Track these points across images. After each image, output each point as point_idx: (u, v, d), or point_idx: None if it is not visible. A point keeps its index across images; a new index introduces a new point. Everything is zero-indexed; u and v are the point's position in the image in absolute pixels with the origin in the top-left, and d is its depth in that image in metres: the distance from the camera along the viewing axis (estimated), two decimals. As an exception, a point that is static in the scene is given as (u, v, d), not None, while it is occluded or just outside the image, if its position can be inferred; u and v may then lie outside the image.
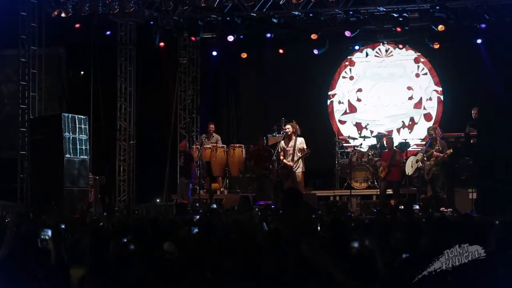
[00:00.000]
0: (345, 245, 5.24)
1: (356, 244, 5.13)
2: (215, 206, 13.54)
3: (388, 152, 16.67)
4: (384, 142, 17.34)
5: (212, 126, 18.53)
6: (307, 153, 16.26)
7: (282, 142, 16.42)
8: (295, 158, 16.30)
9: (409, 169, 16.64)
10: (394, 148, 16.91)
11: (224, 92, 20.80)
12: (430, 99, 19.34)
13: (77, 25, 17.88)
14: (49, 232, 5.86)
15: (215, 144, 18.10)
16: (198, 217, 11.49)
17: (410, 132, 19.23)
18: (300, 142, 16.33)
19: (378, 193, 16.69)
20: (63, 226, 8.46)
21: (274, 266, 4.96)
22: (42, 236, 5.83)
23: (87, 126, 16.47)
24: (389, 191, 16.42)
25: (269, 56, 19.38)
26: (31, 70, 17.80)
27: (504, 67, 17.30)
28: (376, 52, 19.60)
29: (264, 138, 17.07)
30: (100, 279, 5.38)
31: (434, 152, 15.86)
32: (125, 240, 5.84)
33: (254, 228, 6.25)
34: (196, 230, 6.80)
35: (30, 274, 5.49)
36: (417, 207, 14.61)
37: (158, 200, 18.15)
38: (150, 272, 5.30)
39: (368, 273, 4.80)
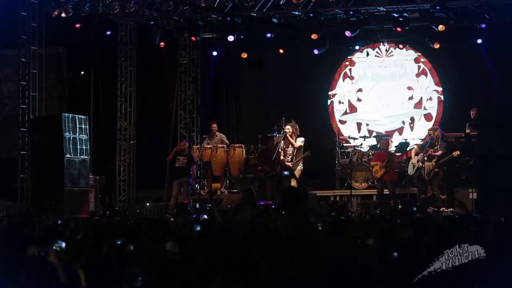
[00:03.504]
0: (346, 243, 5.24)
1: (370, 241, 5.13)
2: (210, 205, 13.61)
3: (383, 153, 16.70)
4: (379, 143, 17.35)
5: (214, 126, 18.53)
6: (307, 155, 16.34)
7: (282, 142, 16.48)
8: (295, 159, 16.37)
9: (410, 169, 16.71)
10: (389, 150, 16.96)
11: (224, 92, 20.81)
12: (430, 99, 19.35)
13: (77, 25, 17.90)
14: (63, 245, 5.74)
15: (216, 144, 18.09)
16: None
17: (410, 132, 19.24)
18: (299, 141, 16.42)
19: (376, 193, 16.73)
20: (60, 222, 8.48)
21: (273, 266, 4.96)
22: (54, 248, 5.73)
23: (87, 126, 16.46)
24: (386, 192, 16.46)
25: (269, 56, 19.40)
26: (31, 70, 17.80)
27: (504, 67, 17.31)
28: (377, 52, 19.62)
29: (275, 138, 17.02)
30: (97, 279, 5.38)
31: (433, 153, 15.94)
32: (119, 241, 5.84)
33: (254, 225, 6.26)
34: (198, 227, 6.81)
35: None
36: (415, 208, 14.62)
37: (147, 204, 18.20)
38: (151, 272, 5.30)
39: (370, 272, 4.80)
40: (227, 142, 18.28)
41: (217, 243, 5.68)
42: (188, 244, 5.72)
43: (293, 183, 16.13)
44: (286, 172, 15.94)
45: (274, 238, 5.72)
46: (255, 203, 13.48)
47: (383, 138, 17.40)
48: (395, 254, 5.21)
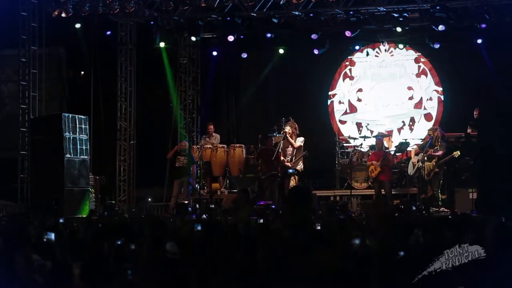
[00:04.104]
0: (348, 243, 5.25)
1: (357, 241, 5.14)
2: (212, 206, 13.62)
3: (378, 153, 16.72)
4: (375, 143, 17.37)
5: (211, 127, 18.57)
6: (305, 155, 16.35)
7: (282, 142, 16.48)
8: (294, 158, 16.37)
9: (410, 169, 16.71)
10: (385, 148, 16.98)
11: (224, 92, 20.81)
12: (431, 99, 19.35)
13: (77, 25, 17.90)
14: (52, 236, 5.77)
15: (215, 144, 18.11)
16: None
17: (410, 132, 19.24)
18: (299, 141, 16.43)
19: (374, 193, 16.73)
20: (61, 221, 8.47)
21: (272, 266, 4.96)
22: (45, 239, 5.76)
23: (87, 126, 16.46)
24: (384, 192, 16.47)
25: (269, 56, 19.39)
26: (31, 70, 17.79)
27: (504, 67, 17.31)
28: (376, 52, 19.62)
29: (273, 138, 17.02)
30: (98, 278, 5.39)
31: (433, 153, 15.96)
32: (120, 241, 5.84)
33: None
34: (199, 227, 6.80)
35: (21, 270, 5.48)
36: (414, 208, 14.61)
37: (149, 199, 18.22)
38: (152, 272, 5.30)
39: (369, 271, 4.81)
40: (217, 144, 18.22)
41: (218, 243, 5.68)
42: (188, 244, 5.71)
43: (292, 182, 16.12)
44: (290, 170, 15.92)
45: (274, 238, 5.72)
46: (252, 203, 13.48)
47: (378, 138, 17.42)
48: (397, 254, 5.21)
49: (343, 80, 19.90)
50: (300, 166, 16.44)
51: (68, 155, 15.89)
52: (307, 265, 4.76)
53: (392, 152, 17.47)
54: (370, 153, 17.54)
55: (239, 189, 15.76)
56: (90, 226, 8.63)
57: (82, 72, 20.28)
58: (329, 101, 19.95)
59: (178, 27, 18.72)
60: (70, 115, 16.31)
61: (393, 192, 16.60)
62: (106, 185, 18.50)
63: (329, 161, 18.29)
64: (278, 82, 19.81)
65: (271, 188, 16.12)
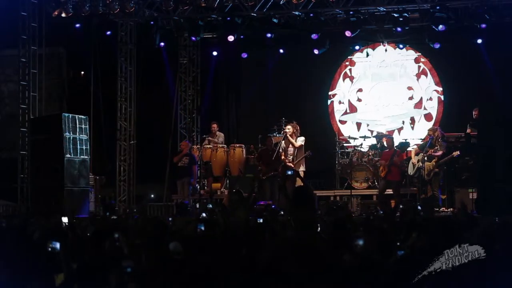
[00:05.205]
0: (348, 243, 5.25)
1: (360, 242, 5.14)
2: (210, 206, 13.61)
3: (388, 152, 16.70)
4: (384, 142, 17.36)
5: (214, 126, 18.57)
6: (309, 155, 16.32)
7: (283, 142, 16.47)
8: (295, 159, 16.36)
9: (410, 169, 16.69)
10: (395, 147, 16.93)
11: (224, 92, 20.81)
12: (431, 99, 19.36)
13: (77, 25, 17.91)
14: (57, 245, 5.76)
15: (216, 144, 18.09)
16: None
17: (410, 132, 19.24)
18: (300, 141, 16.41)
19: (378, 192, 16.72)
20: (65, 221, 8.46)
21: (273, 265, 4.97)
22: (49, 248, 5.75)
23: (87, 126, 16.45)
24: (389, 191, 16.42)
25: (269, 56, 19.40)
26: (31, 70, 17.80)
27: (504, 67, 17.31)
28: (377, 52, 19.61)
29: (273, 138, 17.00)
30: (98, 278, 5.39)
31: (433, 153, 15.95)
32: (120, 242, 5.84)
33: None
34: (202, 227, 6.80)
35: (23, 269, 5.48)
36: (419, 208, 14.57)
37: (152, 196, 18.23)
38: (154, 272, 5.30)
39: (370, 271, 4.81)
40: (222, 143, 18.22)
41: (219, 243, 5.68)
42: (191, 244, 5.71)
43: (299, 182, 16.07)
44: (289, 172, 15.83)
45: (276, 238, 5.72)
46: (249, 204, 13.40)
47: (388, 137, 17.37)
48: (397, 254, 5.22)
49: (343, 80, 19.90)
50: (302, 168, 16.38)
51: (68, 155, 15.88)
52: (309, 265, 4.77)
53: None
54: (370, 153, 17.56)
55: (231, 191, 15.71)
56: (89, 226, 8.63)
57: (82, 72, 20.29)
58: (329, 101, 19.96)
59: (178, 27, 18.74)
60: (70, 115, 16.29)
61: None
62: (106, 185, 18.50)
63: (329, 161, 18.29)
64: (278, 82, 19.82)
65: (272, 189, 16.09)
